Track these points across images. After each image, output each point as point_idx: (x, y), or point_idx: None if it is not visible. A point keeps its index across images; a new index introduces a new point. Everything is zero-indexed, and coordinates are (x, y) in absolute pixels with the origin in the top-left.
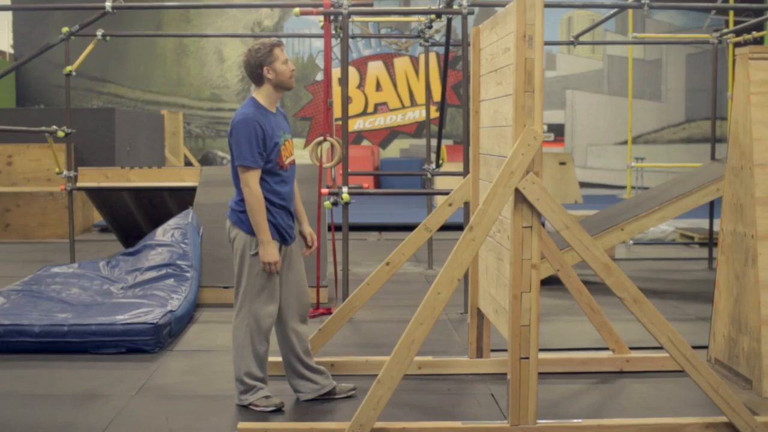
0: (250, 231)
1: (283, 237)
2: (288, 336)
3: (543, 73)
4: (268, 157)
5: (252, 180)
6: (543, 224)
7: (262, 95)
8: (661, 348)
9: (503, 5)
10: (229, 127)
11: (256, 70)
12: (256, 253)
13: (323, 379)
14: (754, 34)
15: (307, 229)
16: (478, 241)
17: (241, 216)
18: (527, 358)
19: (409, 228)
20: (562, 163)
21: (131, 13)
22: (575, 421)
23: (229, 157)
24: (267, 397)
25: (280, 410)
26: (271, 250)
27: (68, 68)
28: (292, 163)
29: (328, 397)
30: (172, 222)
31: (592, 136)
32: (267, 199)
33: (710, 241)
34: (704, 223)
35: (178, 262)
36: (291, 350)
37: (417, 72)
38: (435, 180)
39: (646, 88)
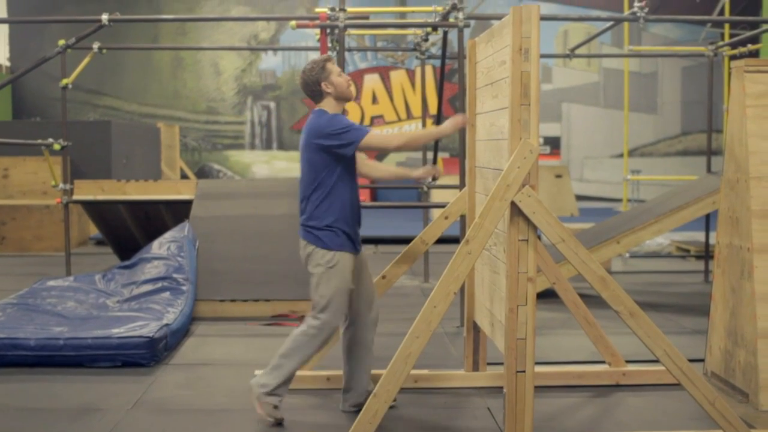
0: (327, 246)
1: (354, 245)
2: (358, 346)
3: (539, 86)
4: (350, 160)
5: (375, 139)
6: (539, 237)
7: (326, 106)
8: (657, 361)
9: (499, 18)
10: (306, 137)
11: (315, 87)
12: (333, 266)
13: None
14: (750, 46)
15: (422, 169)
16: (474, 254)
17: (315, 233)
18: (523, 371)
19: (405, 241)
20: (558, 176)
21: (127, 26)
22: None
23: (225, 170)
24: (276, 407)
25: (280, 424)
26: (452, 122)
27: (65, 81)
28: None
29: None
30: (168, 235)
31: (589, 149)
32: (342, 204)
33: (706, 254)
34: (700, 236)
35: (174, 275)
36: (359, 361)
37: (413, 85)
38: (431, 193)
39: (642, 100)
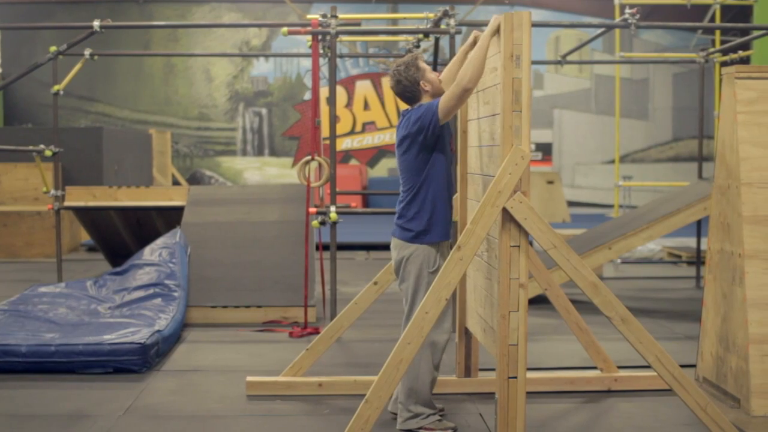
0: (430, 240)
1: (447, 234)
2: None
3: (530, 92)
4: (448, 146)
5: (445, 97)
6: (531, 243)
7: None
8: (649, 367)
9: None
10: (406, 125)
11: (414, 87)
12: (436, 270)
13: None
14: (741, 53)
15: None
16: (466, 260)
17: (414, 230)
18: (515, 377)
19: None
20: (550, 182)
21: (119, 32)
22: None
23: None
24: (440, 420)
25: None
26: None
27: (56, 87)
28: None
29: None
30: (159, 241)
31: (580, 155)
32: (439, 191)
33: (698, 259)
34: (692, 242)
35: (166, 281)
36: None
37: None
38: None
39: (634, 107)
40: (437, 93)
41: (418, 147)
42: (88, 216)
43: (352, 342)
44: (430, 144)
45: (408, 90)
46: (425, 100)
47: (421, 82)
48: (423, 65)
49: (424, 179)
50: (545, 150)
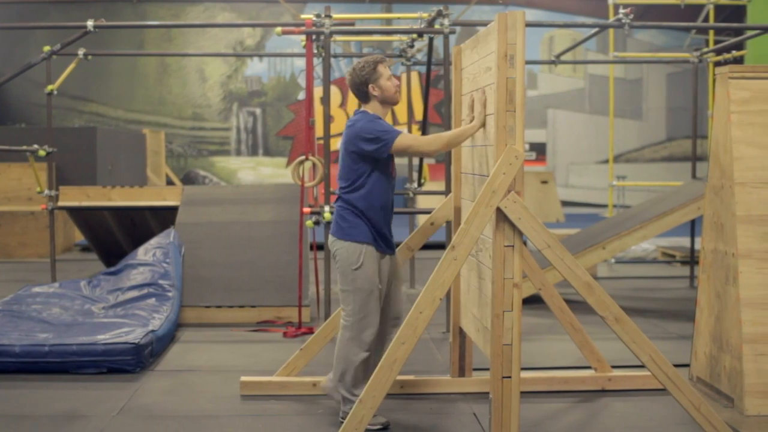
0: (355, 238)
1: (378, 243)
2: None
3: (524, 92)
4: (385, 161)
5: (407, 139)
6: (525, 243)
7: (370, 109)
8: (642, 366)
9: (485, 25)
10: (346, 137)
11: (362, 87)
12: (359, 267)
13: None
14: (734, 53)
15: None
16: (460, 260)
17: (341, 225)
18: (509, 377)
19: None
20: (544, 182)
21: (113, 32)
22: None
23: (211, 176)
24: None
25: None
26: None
27: (50, 87)
28: (395, 175)
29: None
30: (153, 241)
31: (574, 155)
32: (370, 204)
33: (691, 259)
34: (685, 242)
35: (160, 281)
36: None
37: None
38: (417, 199)
39: (627, 107)
40: (387, 101)
41: (357, 158)
42: (81, 216)
43: None
44: (369, 161)
45: (356, 87)
46: (372, 104)
47: (370, 85)
48: (383, 70)
49: (360, 185)
50: (539, 150)
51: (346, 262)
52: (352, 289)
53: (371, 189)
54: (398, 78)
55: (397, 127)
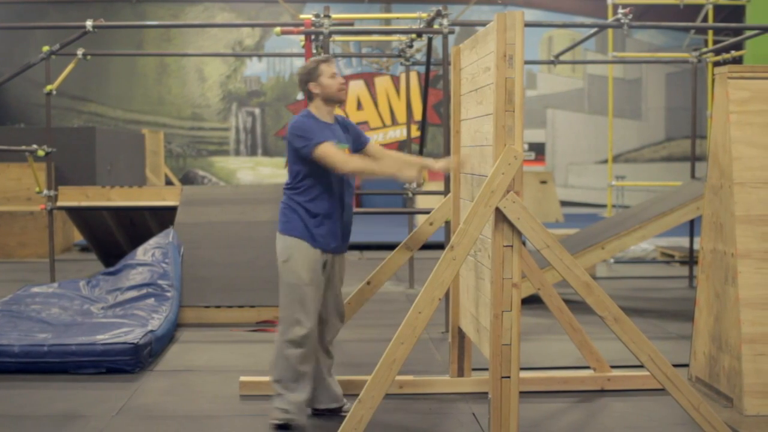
0: (289, 232)
1: (315, 239)
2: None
3: (523, 92)
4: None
5: (328, 150)
6: (524, 243)
7: (313, 108)
8: (642, 366)
9: (483, 25)
10: (289, 133)
11: (304, 86)
12: (286, 260)
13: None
14: (733, 53)
15: (417, 167)
16: (459, 260)
17: (281, 219)
18: (508, 377)
19: (390, 247)
20: (543, 182)
21: (112, 32)
22: None
23: (210, 176)
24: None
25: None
26: (408, 172)
27: (49, 87)
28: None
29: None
30: (152, 241)
31: (573, 155)
32: (313, 204)
33: (690, 259)
34: (684, 242)
35: (159, 281)
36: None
37: (398, 91)
38: (416, 199)
39: (627, 107)
40: (329, 98)
41: (294, 156)
42: (80, 216)
43: (345, 342)
44: (304, 161)
45: (301, 87)
46: (315, 102)
47: (311, 83)
48: (324, 68)
49: (301, 185)
50: (538, 150)
51: (278, 255)
52: (281, 283)
53: (311, 189)
54: (345, 78)
55: (397, 127)
